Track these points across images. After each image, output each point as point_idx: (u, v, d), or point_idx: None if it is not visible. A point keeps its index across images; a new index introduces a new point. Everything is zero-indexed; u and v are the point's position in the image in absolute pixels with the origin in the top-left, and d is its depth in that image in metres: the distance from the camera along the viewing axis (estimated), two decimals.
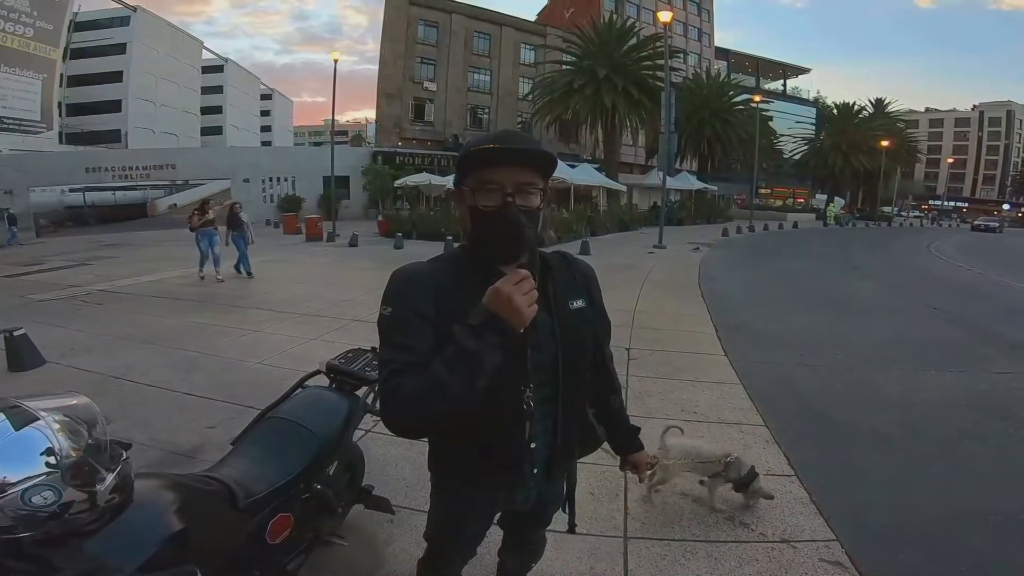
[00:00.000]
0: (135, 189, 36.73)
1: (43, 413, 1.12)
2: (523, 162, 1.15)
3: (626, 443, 1.58)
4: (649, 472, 2.73)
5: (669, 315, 7.35)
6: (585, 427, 1.46)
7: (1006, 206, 74.81)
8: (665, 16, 18.91)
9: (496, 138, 1.17)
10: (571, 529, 1.54)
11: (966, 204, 75.77)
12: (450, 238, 13.64)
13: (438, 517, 1.47)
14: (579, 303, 1.31)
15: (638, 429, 1.60)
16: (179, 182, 38.62)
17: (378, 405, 1.16)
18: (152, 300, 8.00)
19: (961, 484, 3.17)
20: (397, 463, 3.10)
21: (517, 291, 1.03)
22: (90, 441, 1.15)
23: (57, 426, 1.11)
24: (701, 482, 2.86)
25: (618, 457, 1.63)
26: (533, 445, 1.26)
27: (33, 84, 36.45)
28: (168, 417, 3.83)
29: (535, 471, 1.29)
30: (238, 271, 10.42)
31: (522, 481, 1.29)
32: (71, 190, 32.04)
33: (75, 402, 1.22)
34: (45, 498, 1.06)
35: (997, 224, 41.85)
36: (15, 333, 4.81)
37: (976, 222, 44.35)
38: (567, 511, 1.54)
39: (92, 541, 1.15)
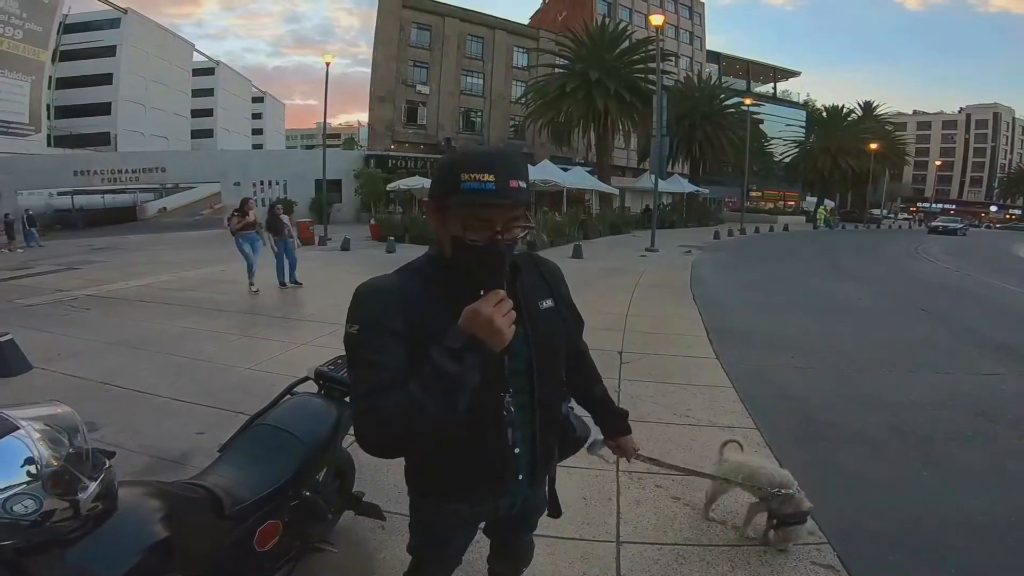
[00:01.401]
0: (124, 192, 36.44)
1: (23, 422, 1.10)
2: (520, 201, 1.11)
3: (615, 427, 1.59)
4: (708, 499, 2.69)
5: (661, 318, 7.37)
6: (564, 428, 1.45)
7: (993, 208, 75.70)
8: (657, 19, 19.05)
9: (490, 163, 1.07)
10: (552, 513, 1.52)
11: (953, 206, 76.64)
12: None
13: (420, 532, 1.42)
14: (548, 303, 1.30)
15: (626, 413, 1.61)
16: (169, 185, 38.42)
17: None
18: (141, 305, 7.92)
19: (949, 486, 3.19)
20: (388, 469, 3.06)
21: (497, 312, 1.01)
22: (71, 450, 1.14)
23: (37, 435, 1.10)
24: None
25: (611, 461, 1.63)
26: (517, 451, 1.25)
27: (21, 86, 36.14)
28: (156, 423, 3.79)
29: (520, 477, 1.28)
30: (283, 283, 9.51)
31: (507, 489, 1.28)
32: (59, 193, 31.73)
33: (56, 411, 1.20)
34: (26, 507, 1.05)
35: (959, 225, 35.69)
36: (1, 338, 4.75)
37: (934, 223, 37.58)
38: (550, 510, 1.52)
39: (74, 549, 1.14)
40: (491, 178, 1.06)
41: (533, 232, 17.02)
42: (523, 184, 1.10)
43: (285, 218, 9.86)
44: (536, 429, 1.27)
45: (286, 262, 9.54)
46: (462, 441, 1.17)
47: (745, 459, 2.69)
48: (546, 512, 1.52)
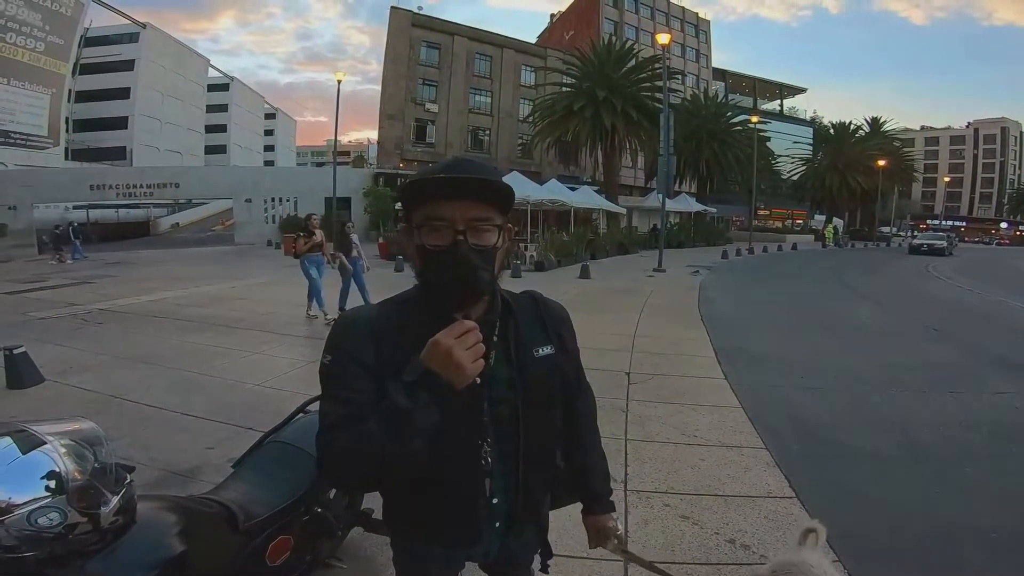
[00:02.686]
0: (138, 207, 36.95)
1: (50, 437, 1.15)
2: (475, 195, 1.03)
3: (587, 502, 1.39)
4: None
5: (669, 339, 7.34)
6: (562, 476, 1.35)
7: (1003, 224, 75.00)
8: (663, 38, 19.19)
9: (446, 167, 1.05)
10: (543, 568, 1.40)
11: (964, 223, 76.03)
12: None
13: (400, 567, 1.35)
14: (546, 350, 1.20)
15: (606, 492, 1.39)
16: (182, 201, 38.89)
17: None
18: (152, 320, 8.02)
19: (960, 504, 3.17)
20: None
21: (459, 345, 0.93)
22: (96, 465, 1.18)
23: (63, 450, 1.14)
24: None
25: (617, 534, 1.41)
26: (495, 501, 1.17)
27: (41, 99, 36.76)
28: (167, 437, 3.83)
29: (496, 525, 1.20)
30: (342, 310, 8.10)
31: (479, 537, 1.20)
32: (75, 207, 32.22)
33: (81, 426, 1.25)
34: (51, 519, 1.08)
35: (944, 243, 30.44)
36: (15, 351, 4.83)
37: (915, 241, 32.63)
38: (542, 556, 1.39)
39: (95, 561, 1.17)
40: (437, 175, 1.02)
41: (540, 251, 17.09)
42: (479, 179, 1.03)
43: (355, 237, 8.86)
44: (519, 479, 1.17)
45: (352, 286, 8.63)
46: (434, 486, 1.12)
47: (800, 559, 2.14)
48: (542, 564, 1.39)
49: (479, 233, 1.03)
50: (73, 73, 40.41)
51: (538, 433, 1.18)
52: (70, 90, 40.54)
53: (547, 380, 1.20)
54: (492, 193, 1.04)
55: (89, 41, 43.66)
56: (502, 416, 1.13)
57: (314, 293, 8.22)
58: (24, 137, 35.42)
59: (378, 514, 2.53)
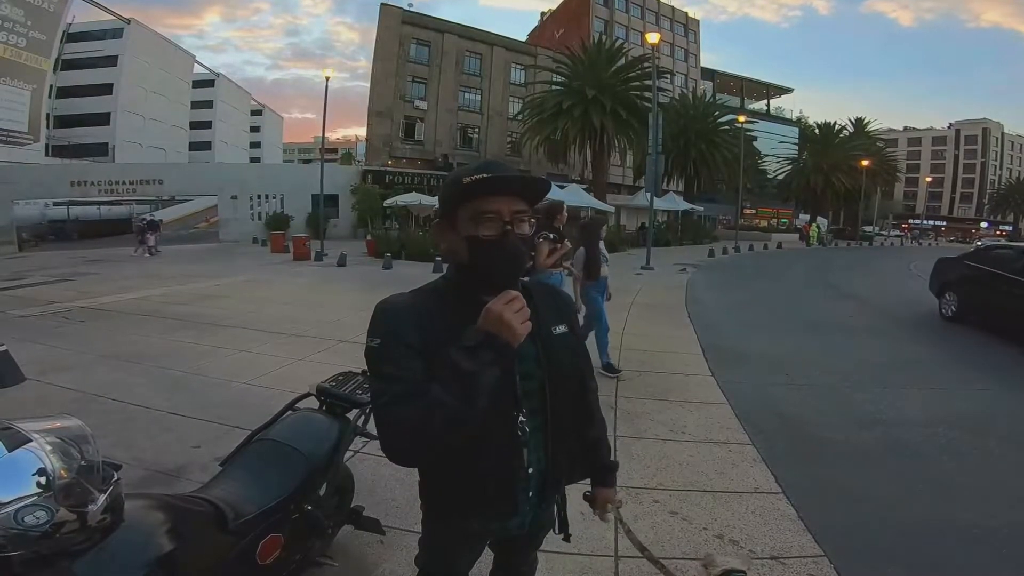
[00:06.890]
0: (120, 204, 36.35)
1: (36, 435, 1.12)
2: (517, 191, 1.19)
3: (595, 476, 1.55)
4: None
5: (657, 337, 7.39)
6: (576, 451, 1.46)
7: (984, 224, 76.16)
8: (653, 37, 19.29)
9: (486, 168, 1.18)
10: (566, 537, 1.52)
11: (944, 223, 77.14)
12: (439, 259, 13.61)
13: (430, 546, 1.44)
14: (562, 328, 1.35)
15: (614, 467, 1.56)
16: (165, 198, 38.32)
17: (376, 433, 1.15)
18: (135, 318, 7.90)
19: (943, 499, 3.22)
20: (387, 484, 3.08)
21: (508, 309, 1.08)
22: (83, 463, 1.16)
23: (49, 448, 1.12)
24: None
25: (616, 503, 1.57)
26: (530, 470, 1.28)
27: (22, 95, 35.94)
28: (151, 436, 3.78)
29: (530, 495, 1.31)
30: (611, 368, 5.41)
31: (517, 508, 1.30)
32: (55, 204, 31.61)
33: (68, 424, 1.22)
34: (37, 518, 1.06)
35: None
36: None
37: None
38: (558, 530, 1.51)
39: (82, 561, 1.15)
40: (488, 175, 1.15)
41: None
42: (529, 178, 1.20)
43: (601, 244, 5.61)
44: (549, 450, 1.30)
45: (604, 314, 5.58)
46: (477, 459, 1.21)
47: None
48: (556, 532, 1.51)
49: (519, 224, 1.18)
50: (55, 69, 39.61)
51: (562, 405, 1.32)
52: (52, 86, 39.73)
53: (566, 356, 1.34)
54: (529, 190, 1.20)
55: (72, 37, 42.67)
56: (531, 391, 1.26)
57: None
58: (4, 133, 34.64)
59: (372, 510, 2.54)
